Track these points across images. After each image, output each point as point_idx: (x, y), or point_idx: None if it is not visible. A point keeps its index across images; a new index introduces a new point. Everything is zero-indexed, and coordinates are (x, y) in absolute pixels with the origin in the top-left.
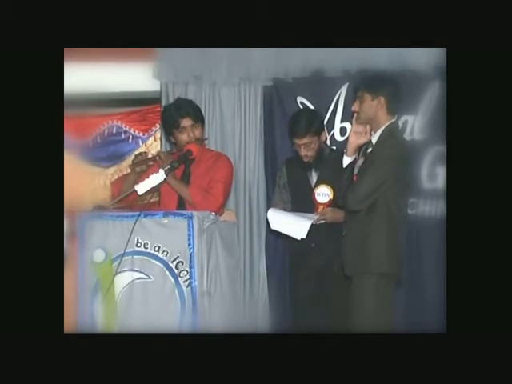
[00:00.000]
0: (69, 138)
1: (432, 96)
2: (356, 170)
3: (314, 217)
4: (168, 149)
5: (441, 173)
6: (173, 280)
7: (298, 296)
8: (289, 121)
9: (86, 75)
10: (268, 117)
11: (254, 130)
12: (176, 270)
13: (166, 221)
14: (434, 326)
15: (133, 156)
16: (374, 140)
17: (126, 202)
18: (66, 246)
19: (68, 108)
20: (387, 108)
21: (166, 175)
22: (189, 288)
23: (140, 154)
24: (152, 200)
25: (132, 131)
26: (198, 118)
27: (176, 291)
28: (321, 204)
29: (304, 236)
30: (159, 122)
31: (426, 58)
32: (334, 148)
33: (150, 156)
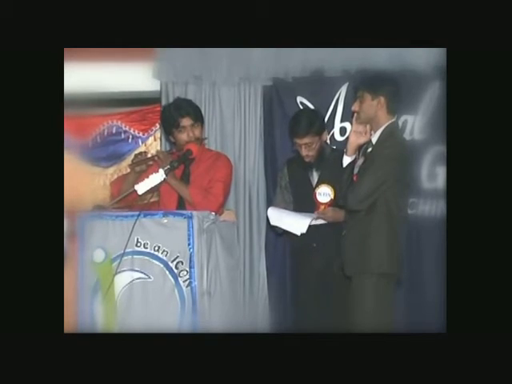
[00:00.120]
0: (69, 138)
1: (432, 96)
2: (356, 170)
3: (315, 215)
4: (168, 148)
5: (441, 173)
6: (173, 280)
7: (298, 296)
8: (289, 121)
9: (86, 75)
10: (268, 117)
11: (253, 130)
12: (176, 270)
13: (165, 221)
14: (434, 325)
15: (132, 156)
16: (374, 140)
17: (125, 201)
18: (66, 245)
19: (68, 108)
20: (387, 108)
21: (166, 175)
22: (189, 288)
23: (140, 153)
24: (152, 200)
25: (132, 131)
26: (198, 117)
27: (176, 291)
28: (322, 204)
29: (304, 231)
30: (159, 121)
31: (425, 58)
32: (335, 148)
33: (149, 156)
